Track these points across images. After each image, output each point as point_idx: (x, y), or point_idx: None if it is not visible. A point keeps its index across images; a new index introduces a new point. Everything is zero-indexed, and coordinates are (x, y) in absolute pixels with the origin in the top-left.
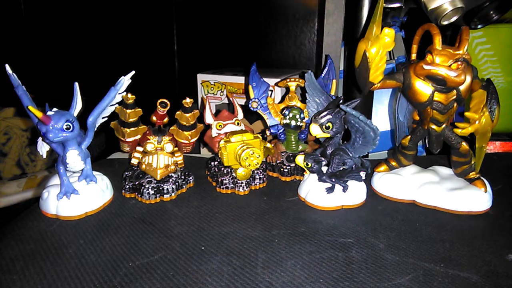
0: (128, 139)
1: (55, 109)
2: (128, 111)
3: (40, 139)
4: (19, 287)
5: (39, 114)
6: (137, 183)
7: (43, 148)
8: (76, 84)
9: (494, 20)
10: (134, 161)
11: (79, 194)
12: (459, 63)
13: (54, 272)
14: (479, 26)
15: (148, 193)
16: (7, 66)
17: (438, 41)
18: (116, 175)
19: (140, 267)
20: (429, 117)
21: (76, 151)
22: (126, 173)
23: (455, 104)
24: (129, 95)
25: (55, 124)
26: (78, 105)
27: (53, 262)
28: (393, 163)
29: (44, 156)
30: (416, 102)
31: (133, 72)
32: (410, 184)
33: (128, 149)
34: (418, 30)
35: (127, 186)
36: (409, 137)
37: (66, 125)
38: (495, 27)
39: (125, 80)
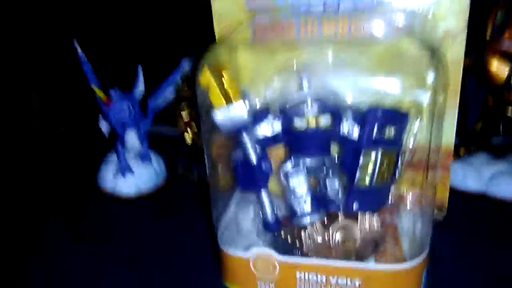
0: (185, 118)
1: (117, 90)
2: (187, 90)
3: (101, 117)
4: (71, 263)
5: (102, 94)
6: (190, 162)
7: (104, 127)
8: (140, 66)
9: None
10: (188, 138)
11: (134, 173)
12: None
13: (107, 250)
14: None
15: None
16: (75, 42)
17: None
18: (170, 153)
19: (193, 249)
20: (506, 101)
21: (135, 132)
22: (180, 151)
23: None
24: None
25: (117, 105)
26: (140, 87)
27: (108, 240)
28: (462, 151)
29: (106, 135)
30: (490, 85)
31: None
32: (481, 174)
33: (184, 127)
34: (495, 8)
35: (181, 165)
36: (481, 123)
37: (127, 107)
38: None
39: (187, 63)
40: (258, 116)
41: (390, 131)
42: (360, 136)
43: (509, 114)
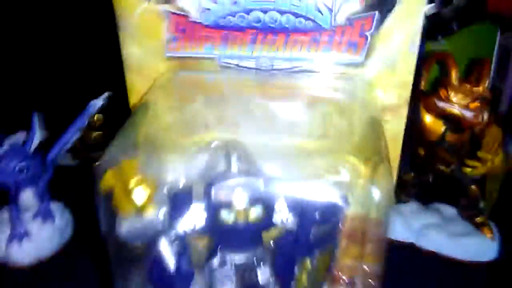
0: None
1: (8, 143)
2: (94, 133)
3: None
4: None
5: None
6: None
7: None
8: (36, 114)
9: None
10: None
11: (31, 237)
12: (478, 102)
13: None
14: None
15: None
16: None
17: (454, 75)
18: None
19: None
20: (437, 157)
21: (32, 190)
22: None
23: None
24: (97, 117)
25: (7, 165)
26: (36, 139)
27: None
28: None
29: None
30: (423, 140)
31: (107, 94)
32: (410, 224)
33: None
34: (431, 59)
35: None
36: (412, 174)
37: (20, 167)
38: None
39: (97, 105)
40: (178, 203)
41: (325, 229)
42: (294, 245)
43: (441, 168)
